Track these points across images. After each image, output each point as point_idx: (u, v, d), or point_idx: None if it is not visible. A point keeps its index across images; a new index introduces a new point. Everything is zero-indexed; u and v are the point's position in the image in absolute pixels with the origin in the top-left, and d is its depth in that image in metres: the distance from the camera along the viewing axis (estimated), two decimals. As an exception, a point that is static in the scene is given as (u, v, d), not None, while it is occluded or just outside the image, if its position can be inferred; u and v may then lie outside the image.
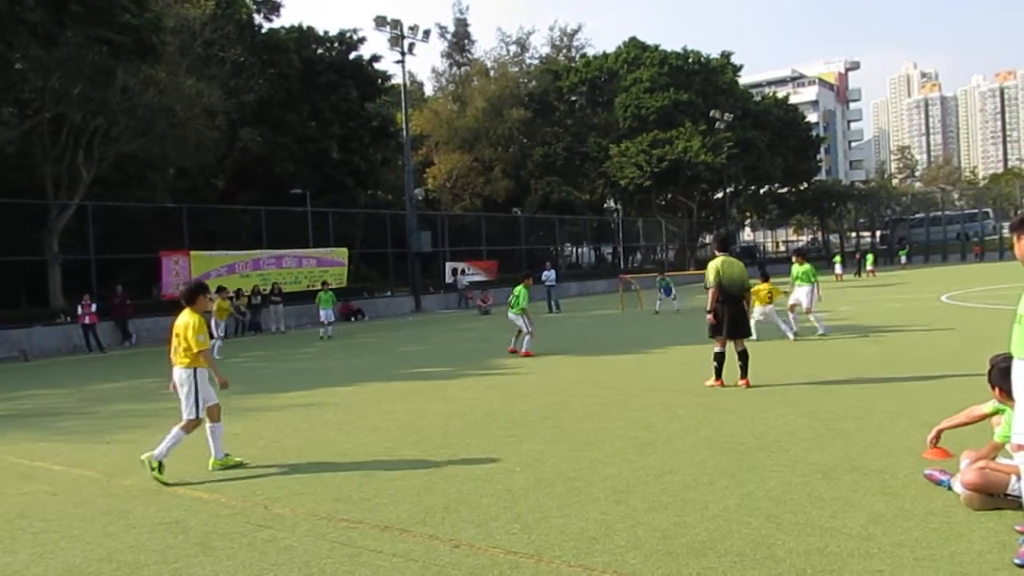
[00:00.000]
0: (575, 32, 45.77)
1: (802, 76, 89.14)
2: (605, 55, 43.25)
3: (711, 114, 38.68)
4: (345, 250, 23.45)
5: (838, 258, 31.55)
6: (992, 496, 3.27)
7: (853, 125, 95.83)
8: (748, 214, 52.31)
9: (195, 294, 4.93)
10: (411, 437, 5.50)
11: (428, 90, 43.31)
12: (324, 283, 17.69)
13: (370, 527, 3.52)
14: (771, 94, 50.80)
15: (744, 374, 6.72)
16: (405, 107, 26.35)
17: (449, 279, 27.12)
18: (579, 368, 9.02)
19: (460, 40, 40.18)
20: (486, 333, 15.31)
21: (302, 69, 25.77)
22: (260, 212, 21.98)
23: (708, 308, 6.73)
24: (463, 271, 26.77)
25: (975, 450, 3.61)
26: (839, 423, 5.13)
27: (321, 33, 27.83)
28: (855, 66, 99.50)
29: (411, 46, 25.32)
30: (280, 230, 22.41)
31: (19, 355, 15.19)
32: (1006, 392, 3.20)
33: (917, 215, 51.71)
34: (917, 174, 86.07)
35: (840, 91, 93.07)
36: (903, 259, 40.11)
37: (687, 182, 38.40)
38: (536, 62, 42.74)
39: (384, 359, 11.57)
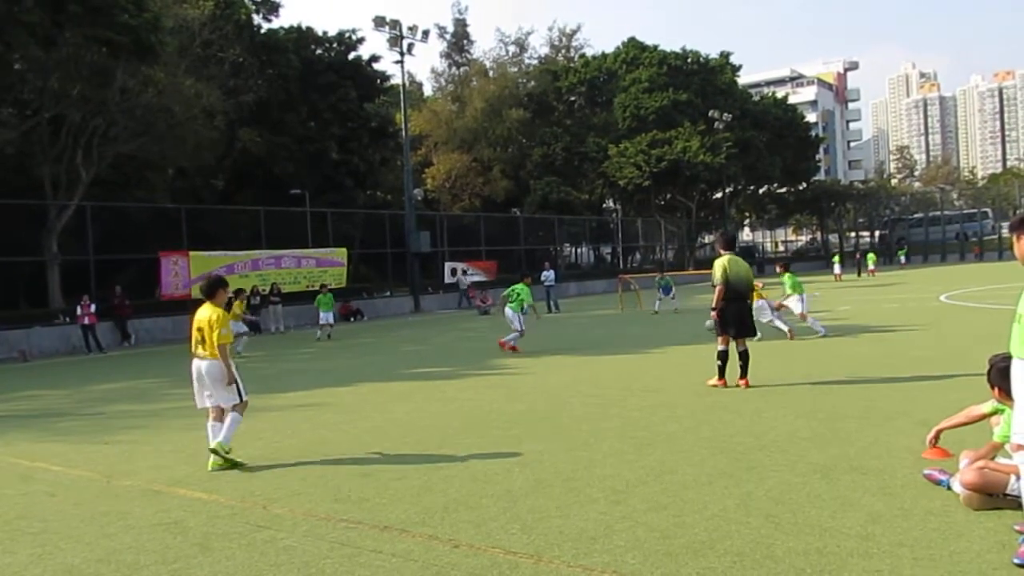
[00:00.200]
0: (574, 32, 45.73)
1: (801, 76, 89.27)
2: (604, 55, 43.29)
3: (710, 114, 38.68)
4: (344, 250, 23.42)
5: (837, 258, 31.53)
6: (991, 496, 3.27)
7: (852, 125, 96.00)
8: (747, 214, 52.32)
9: (215, 288, 5.00)
10: (410, 437, 5.50)
11: (427, 90, 43.34)
12: (323, 285, 17.66)
13: (369, 527, 3.52)
14: (770, 94, 50.86)
15: (744, 374, 6.72)
16: (404, 107, 26.34)
17: (448, 279, 27.11)
18: (578, 368, 9.02)
19: (459, 40, 40.18)
20: (485, 333, 15.29)
21: (301, 69, 25.76)
22: (259, 212, 21.95)
23: (713, 306, 6.75)
24: (465, 271, 26.74)
25: (974, 450, 3.62)
26: (838, 423, 5.14)
27: (320, 33, 27.83)
28: (854, 66, 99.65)
29: (410, 46, 25.32)
30: (279, 230, 22.38)
31: (18, 356, 15.17)
32: (1005, 392, 3.20)
33: (916, 215, 51.80)
34: (916, 174, 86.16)
35: (839, 91, 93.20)
36: (902, 259, 40.19)
37: (686, 182, 38.42)
38: (535, 62, 42.71)
39: (383, 359, 11.56)
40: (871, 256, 32.81)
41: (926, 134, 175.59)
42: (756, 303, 10.62)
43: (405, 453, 5.01)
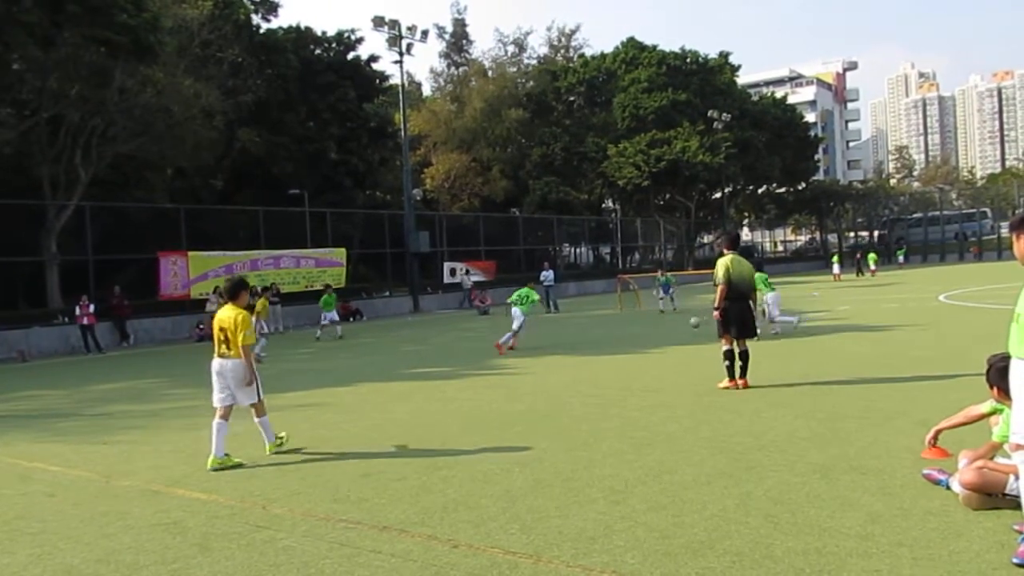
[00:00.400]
0: (573, 32, 45.79)
1: (800, 76, 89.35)
2: (603, 55, 43.29)
3: (709, 114, 38.70)
4: (343, 250, 23.40)
5: (836, 258, 31.53)
6: (990, 496, 3.27)
7: (851, 125, 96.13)
8: (746, 214, 52.31)
9: (238, 290, 5.09)
10: (409, 437, 5.49)
11: (426, 90, 43.33)
12: (327, 285, 17.68)
13: (368, 527, 3.52)
14: (769, 94, 50.94)
15: (743, 374, 6.72)
16: (403, 107, 26.33)
17: (448, 279, 27.10)
18: (577, 368, 9.02)
19: (458, 40, 40.18)
20: (485, 333, 15.29)
21: (300, 69, 25.74)
22: (258, 212, 21.92)
23: (716, 305, 6.74)
24: (468, 271, 26.70)
25: (973, 450, 3.62)
26: (837, 423, 5.14)
27: (319, 33, 27.81)
28: (853, 66, 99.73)
29: (409, 46, 25.31)
30: (278, 230, 22.35)
31: (17, 356, 15.15)
32: (1004, 391, 3.20)
33: (915, 215, 51.82)
34: (915, 174, 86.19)
35: (838, 91, 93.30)
36: (900, 259, 40.19)
37: (685, 182, 38.44)
38: (534, 62, 42.74)
39: (383, 359, 11.56)
40: (872, 256, 32.77)
41: (925, 134, 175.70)
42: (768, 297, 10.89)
43: (404, 453, 5.01)
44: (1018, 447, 2.76)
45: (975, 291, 18.09)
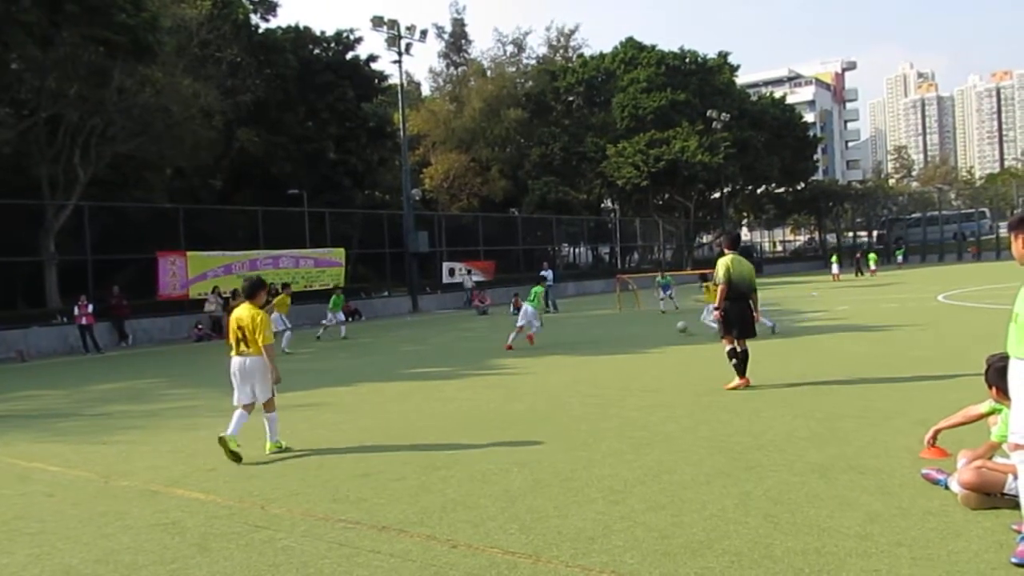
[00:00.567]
0: (572, 32, 45.76)
1: (799, 76, 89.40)
2: (602, 55, 43.27)
3: (708, 114, 38.73)
4: (342, 250, 23.37)
5: (835, 258, 31.53)
6: (989, 495, 3.27)
7: (850, 125, 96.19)
8: (745, 214, 52.33)
9: (256, 289, 5.20)
10: (408, 437, 5.49)
11: (425, 90, 43.33)
12: (336, 286, 17.69)
13: (367, 527, 3.51)
14: (768, 94, 50.98)
15: (742, 374, 6.73)
16: (402, 107, 26.31)
17: (447, 279, 27.10)
18: (576, 368, 9.02)
19: (457, 40, 40.17)
20: (484, 333, 15.29)
21: (299, 69, 25.71)
22: (257, 212, 21.88)
23: (716, 305, 6.74)
24: (469, 272, 26.67)
25: (972, 449, 3.62)
26: (836, 423, 5.14)
27: (318, 33, 27.78)
28: (852, 66, 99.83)
29: (408, 46, 25.29)
30: (277, 230, 22.32)
31: (16, 356, 15.13)
32: (1003, 391, 3.20)
33: (914, 215, 51.71)
34: (914, 174, 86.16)
35: (837, 91, 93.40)
36: (899, 258, 40.20)
37: (684, 182, 38.45)
38: (533, 62, 42.75)
39: (382, 359, 11.55)
40: (872, 256, 32.74)
41: (924, 134, 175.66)
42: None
43: (403, 453, 5.00)
44: (1017, 447, 2.76)
45: (974, 291, 18.10)
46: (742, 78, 49.40)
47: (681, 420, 5.56)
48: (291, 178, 25.18)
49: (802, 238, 60.63)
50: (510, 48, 41.53)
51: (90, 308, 16.00)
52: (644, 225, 40.08)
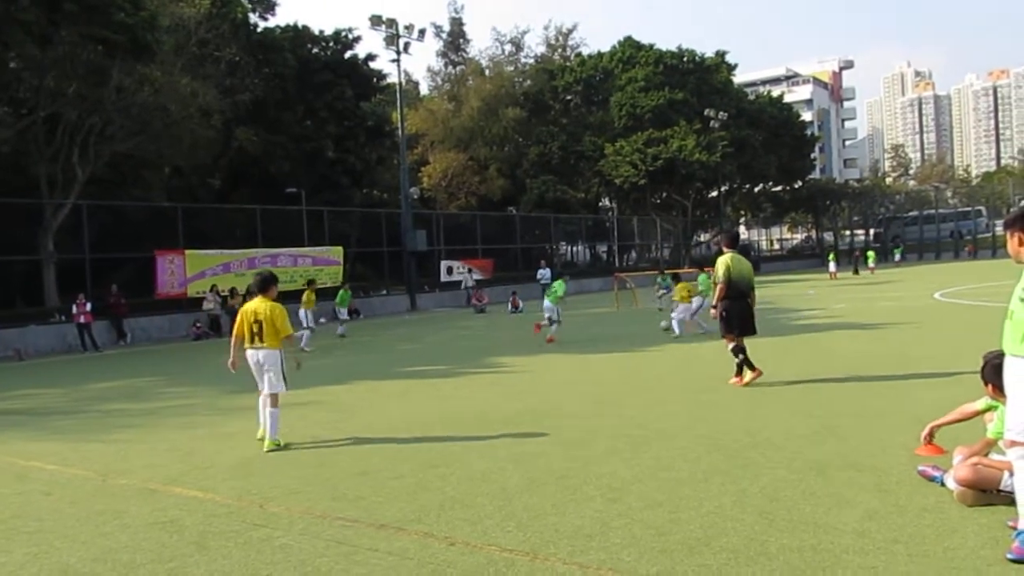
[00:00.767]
0: (570, 31, 45.69)
1: (796, 75, 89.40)
2: (600, 54, 43.22)
3: (706, 113, 38.71)
4: (340, 249, 23.34)
5: (832, 256, 31.59)
6: (985, 492, 3.28)
7: (847, 123, 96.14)
8: (742, 212, 52.29)
9: (269, 284, 5.35)
10: (405, 436, 5.49)
11: (423, 89, 43.29)
12: (343, 283, 17.67)
13: (365, 525, 3.51)
14: (765, 93, 50.99)
15: (739, 372, 6.74)
16: (400, 106, 26.30)
17: (445, 278, 27.08)
18: (574, 366, 9.02)
19: (455, 39, 40.12)
20: (481, 332, 15.30)
21: (297, 68, 25.67)
22: (255, 211, 21.85)
23: (713, 303, 6.74)
24: (471, 271, 26.63)
25: (968, 446, 3.62)
26: (833, 420, 5.15)
27: (316, 32, 27.73)
28: (849, 65, 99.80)
29: (406, 45, 25.25)
30: (275, 229, 22.30)
31: (14, 354, 15.09)
32: (999, 388, 3.21)
33: (911, 213, 51.63)
34: (911, 172, 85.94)
35: (834, 90, 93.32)
36: (897, 256, 40.28)
37: (682, 181, 38.46)
38: (531, 61, 42.70)
39: (379, 357, 11.55)
40: (871, 254, 32.74)
41: (921, 133, 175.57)
42: (691, 305, 11.31)
43: (400, 451, 5.00)
44: (1013, 443, 2.77)
45: (970, 289, 18.12)
46: (740, 77, 49.32)
47: (678, 418, 5.56)
48: (289, 177, 25.14)
49: (799, 236, 60.72)
50: (508, 47, 41.56)
51: (88, 307, 15.99)
52: (642, 224, 40.10)
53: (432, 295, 26.33)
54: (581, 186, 40.24)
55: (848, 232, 52.47)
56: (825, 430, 4.88)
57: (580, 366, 9.02)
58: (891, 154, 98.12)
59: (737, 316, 6.61)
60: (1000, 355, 2.98)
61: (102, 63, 17.77)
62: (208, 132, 21.12)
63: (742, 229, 57.42)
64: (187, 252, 19.18)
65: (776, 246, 57.59)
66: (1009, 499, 3.10)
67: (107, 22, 16.46)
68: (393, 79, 28.20)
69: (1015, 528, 2.89)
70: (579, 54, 44.29)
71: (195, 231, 20.37)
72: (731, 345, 6.70)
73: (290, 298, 20.56)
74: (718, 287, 6.66)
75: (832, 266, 29.92)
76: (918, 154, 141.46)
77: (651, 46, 42.55)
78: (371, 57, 28.89)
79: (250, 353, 5.24)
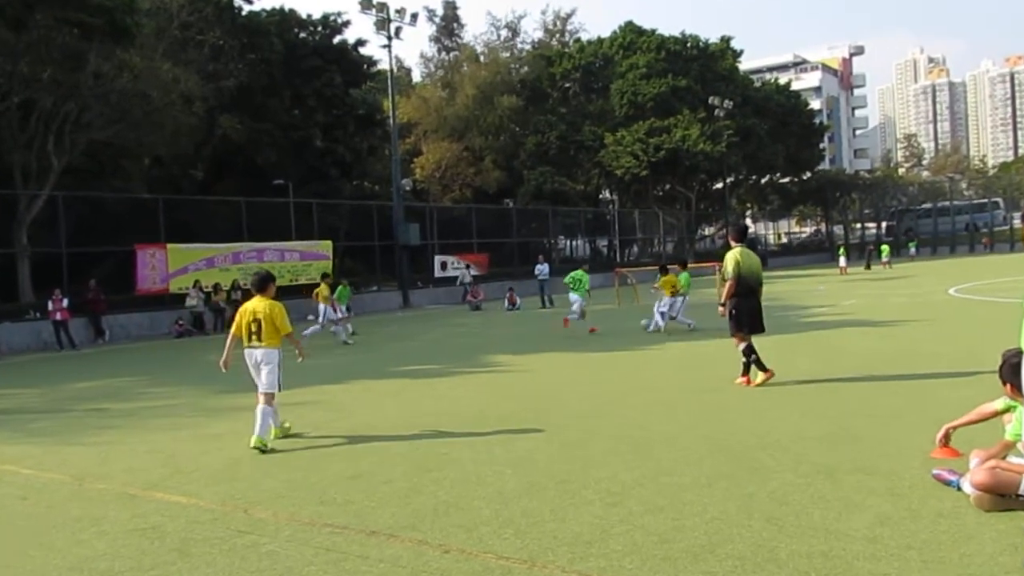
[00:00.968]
0: (569, 16, 44.83)
1: (805, 61, 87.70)
2: (600, 40, 42.58)
3: (710, 101, 37.68)
4: (329, 243, 22.97)
5: (843, 250, 30.97)
6: (1003, 496, 3.21)
7: (858, 112, 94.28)
8: (749, 205, 51.45)
9: (267, 283, 5.40)
10: (399, 437, 5.38)
11: (416, 76, 42.78)
12: (340, 278, 17.36)
13: (356, 532, 3.43)
14: (772, 80, 49.78)
15: (746, 371, 6.58)
16: (392, 94, 25.80)
17: (439, 273, 26.84)
18: (573, 365, 8.92)
19: (449, 24, 39.59)
20: (477, 329, 15.17)
21: (284, 53, 25.13)
22: (240, 203, 21.31)
23: (721, 301, 6.55)
24: (468, 267, 26.36)
25: (985, 449, 3.55)
26: (843, 421, 5.05)
27: (304, 16, 27.19)
28: (859, 51, 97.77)
29: (398, 30, 24.79)
30: (261, 222, 21.80)
31: (-13, 352, 14.75)
32: (1017, 388, 3.13)
33: (924, 205, 49.84)
34: (924, 163, 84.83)
35: (844, 77, 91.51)
36: (912, 250, 38.64)
37: (685, 172, 37.90)
38: (528, 47, 42.09)
39: (372, 356, 11.40)
40: (884, 248, 32.00)
41: (934, 121, 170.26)
42: (675, 300, 11.35)
43: (394, 454, 4.89)
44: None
45: (986, 284, 17.96)
46: (745, 64, 48.19)
47: (681, 419, 5.46)
48: (276, 167, 24.72)
49: (808, 230, 59.85)
50: (504, 32, 40.99)
51: (65, 303, 15.46)
52: (644, 217, 39.78)
53: (425, 291, 26.05)
54: (580, 178, 39.85)
55: (859, 225, 51.54)
56: (836, 432, 4.77)
57: (579, 364, 8.92)
58: (904, 144, 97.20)
59: (747, 314, 6.40)
60: (1019, 353, 2.89)
61: (79, 47, 17.25)
62: (191, 120, 20.57)
63: (748, 222, 57.18)
64: (169, 246, 18.82)
65: (784, 240, 56.56)
66: (1029, 504, 3.00)
67: (84, 5, 15.99)
68: (384, 65, 27.66)
69: (1036, 535, 2.79)
70: (578, 40, 43.49)
71: (177, 224, 19.80)
72: (741, 345, 6.50)
73: (280, 295, 20.31)
74: (727, 284, 6.43)
75: (843, 261, 29.32)
76: (932, 144, 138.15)
77: (653, 31, 41.86)
78: (361, 42, 28.45)
79: (248, 352, 5.23)
